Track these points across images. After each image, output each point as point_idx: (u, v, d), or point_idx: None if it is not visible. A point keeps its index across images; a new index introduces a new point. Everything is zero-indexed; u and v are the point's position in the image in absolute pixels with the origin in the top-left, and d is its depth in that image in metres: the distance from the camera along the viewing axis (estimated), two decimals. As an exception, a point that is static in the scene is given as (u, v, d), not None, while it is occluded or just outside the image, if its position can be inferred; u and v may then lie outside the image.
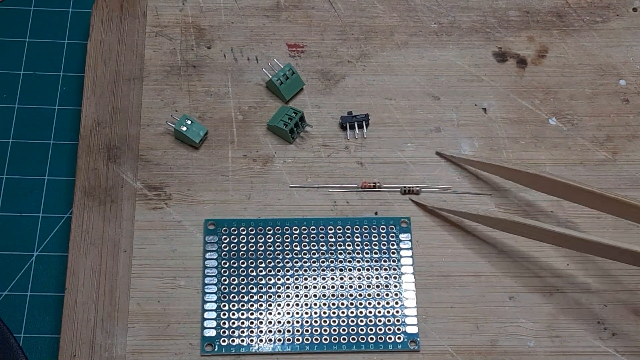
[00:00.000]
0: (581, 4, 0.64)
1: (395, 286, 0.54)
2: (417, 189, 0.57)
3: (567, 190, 0.52)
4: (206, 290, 0.54)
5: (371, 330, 0.53)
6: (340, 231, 0.56)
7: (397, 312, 0.53)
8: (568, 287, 0.54)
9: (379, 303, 0.54)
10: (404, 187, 0.57)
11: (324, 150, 0.58)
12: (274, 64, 0.60)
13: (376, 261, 0.55)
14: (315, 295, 0.54)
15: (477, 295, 0.54)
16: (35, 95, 0.62)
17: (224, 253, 0.55)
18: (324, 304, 0.54)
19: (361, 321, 0.53)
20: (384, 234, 0.56)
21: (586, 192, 0.51)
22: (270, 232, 0.55)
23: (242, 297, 0.54)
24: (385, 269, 0.55)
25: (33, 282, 0.56)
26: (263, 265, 0.55)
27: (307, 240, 0.55)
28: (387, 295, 0.54)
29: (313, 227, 0.56)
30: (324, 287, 0.54)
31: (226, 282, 0.54)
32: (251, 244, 0.55)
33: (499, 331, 0.53)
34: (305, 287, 0.54)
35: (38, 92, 0.62)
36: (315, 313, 0.53)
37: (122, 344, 0.52)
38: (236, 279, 0.54)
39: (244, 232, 0.55)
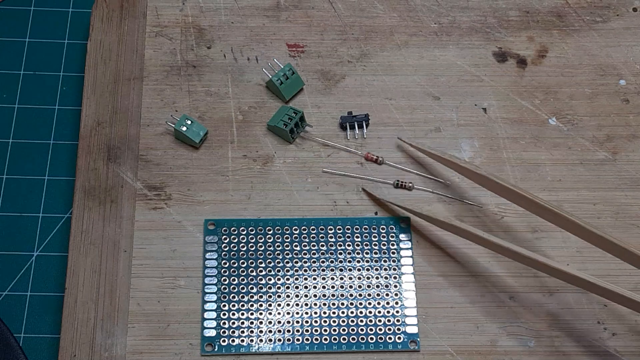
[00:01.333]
0: (581, 4, 0.64)
1: (395, 286, 0.54)
2: (410, 184, 0.57)
3: (511, 194, 0.52)
4: (206, 290, 0.54)
5: (371, 330, 0.53)
6: (340, 231, 0.56)
7: (397, 312, 0.53)
8: (568, 287, 0.54)
9: (379, 303, 0.54)
10: (398, 181, 0.57)
11: (324, 150, 0.58)
12: (274, 64, 0.60)
13: (376, 261, 0.55)
14: (315, 295, 0.54)
15: (477, 295, 0.54)
16: (35, 95, 0.62)
17: (224, 253, 0.55)
18: (324, 304, 0.54)
19: (361, 321, 0.53)
20: (384, 234, 0.56)
21: (529, 200, 0.51)
22: (270, 232, 0.55)
23: (242, 297, 0.54)
24: (385, 269, 0.55)
25: (33, 282, 0.56)
26: (263, 265, 0.55)
27: (307, 240, 0.55)
28: (387, 295, 0.54)
29: (313, 227, 0.56)
30: (324, 287, 0.54)
31: (226, 282, 0.54)
32: (251, 244, 0.55)
33: (499, 331, 0.53)
34: (305, 287, 0.54)
35: (38, 92, 0.62)
36: (315, 313, 0.53)
37: (122, 344, 0.52)
38: (236, 279, 0.54)
39: (244, 232, 0.55)
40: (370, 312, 0.53)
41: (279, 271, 0.54)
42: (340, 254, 0.55)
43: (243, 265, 0.54)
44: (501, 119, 0.60)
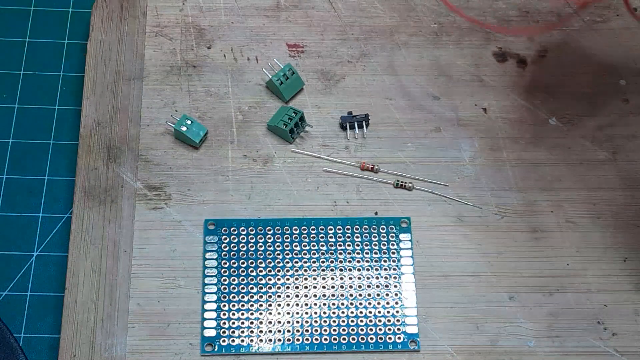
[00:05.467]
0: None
1: (395, 286, 0.54)
2: (410, 184, 0.57)
3: None
4: (206, 290, 0.54)
5: (371, 330, 0.53)
6: (340, 231, 0.56)
7: (397, 312, 0.53)
8: (568, 287, 0.54)
9: (379, 303, 0.54)
10: (398, 181, 0.57)
11: (324, 150, 0.58)
12: (274, 64, 0.60)
13: (376, 261, 0.55)
14: (315, 295, 0.54)
15: (477, 295, 0.54)
16: (35, 95, 0.62)
17: (224, 253, 0.55)
18: (324, 304, 0.54)
19: (361, 321, 0.53)
20: (384, 234, 0.56)
21: None
22: (270, 232, 0.55)
23: (242, 297, 0.54)
24: (385, 269, 0.55)
25: (33, 282, 0.56)
26: (263, 265, 0.55)
27: (307, 240, 0.55)
28: (387, 295, 0.54)
29: (313, 227, 0.56)
30: (324, 287, 0.54)
31: (226, 282, 0.54)
32: (251, 244, 0.55)
33: (499, 331, 0.53)
34: (305, 287, 0.54)
35: (38, 92, 0.62)
36: (315, 313, 0.53)
37: (122, 344, 0.52)
38: (236, 279, 0.54)
39: (244, 232, 0.55)
40: (370, 312, 0.53)
41: (279, 271, 0.54)
42: (340, 254, 0.55)
43: (243, 265, 0.54)
44: (501, 119, 0.60)
